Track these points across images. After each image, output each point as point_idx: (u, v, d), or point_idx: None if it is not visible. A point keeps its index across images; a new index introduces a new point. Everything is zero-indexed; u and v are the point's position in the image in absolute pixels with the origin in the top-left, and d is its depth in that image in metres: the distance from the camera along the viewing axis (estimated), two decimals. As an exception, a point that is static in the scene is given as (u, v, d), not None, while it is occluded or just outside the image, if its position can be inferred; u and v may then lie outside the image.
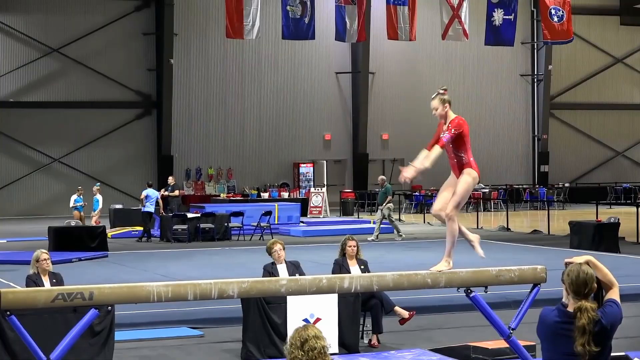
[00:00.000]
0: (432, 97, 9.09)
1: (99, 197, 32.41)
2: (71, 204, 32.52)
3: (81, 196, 32.67)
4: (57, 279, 12.55)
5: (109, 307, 11.50)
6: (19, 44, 43.53)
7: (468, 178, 8.97)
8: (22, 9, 43.48)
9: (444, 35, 36.56)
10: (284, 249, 13.29)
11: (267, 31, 42.60)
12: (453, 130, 8.92)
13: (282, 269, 13.10)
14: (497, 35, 36.97)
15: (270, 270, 13.02)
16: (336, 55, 48.26)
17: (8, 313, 8.39)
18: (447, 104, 9.01)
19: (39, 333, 9.57)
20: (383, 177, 31.39)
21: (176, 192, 33.93)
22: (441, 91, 9.08)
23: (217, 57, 46.50)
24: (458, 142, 8.99)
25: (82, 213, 32.19)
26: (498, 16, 36.59)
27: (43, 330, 10.68)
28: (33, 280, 12.45)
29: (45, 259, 12.64)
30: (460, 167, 9.03)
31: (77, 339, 8.45)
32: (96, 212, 32.23)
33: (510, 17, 36.76)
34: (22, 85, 43.62)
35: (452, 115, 9.00)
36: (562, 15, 36.97)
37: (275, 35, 42.60)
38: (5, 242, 30.50)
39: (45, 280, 12.49)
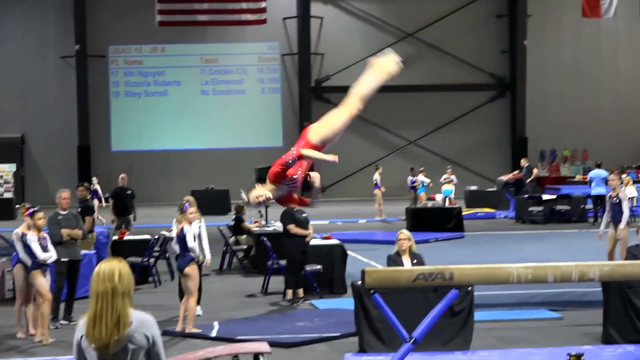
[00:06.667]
0: None
1: (425, 180, 32.59)
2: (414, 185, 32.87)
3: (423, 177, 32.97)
4: (417, 260, 12.81)
5: (469, 288, 11.61)
6: (375, 30, 44.67)
7: None
8: (378, -4, 44.71)
9: None
10: None
11: (625, 9, 41.18)
12: None
13: (649, 254, 12.81)
14: None
15: (634, 253, 12.78)
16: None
17: (372, 291, 8.69)
18: None
19: (400, 311, 9.71)
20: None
21: (535, 171, 33.89)
22: None
23: (571, 37, 45.66)
24: None
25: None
26: None
27: (404, 309, 10.85)
28: (393, 260, 12.80)
29: (402, 239, 12.92)
30: None
31: (437, 319, 8.60)
32: (420, 195, 32.52)
33: None
34: (379, 70, 44.72)
35: None
36: None
37: (633, 12, 41.27)
38: (365, 222, 31.52)
39: (406, 259, 12.79)
